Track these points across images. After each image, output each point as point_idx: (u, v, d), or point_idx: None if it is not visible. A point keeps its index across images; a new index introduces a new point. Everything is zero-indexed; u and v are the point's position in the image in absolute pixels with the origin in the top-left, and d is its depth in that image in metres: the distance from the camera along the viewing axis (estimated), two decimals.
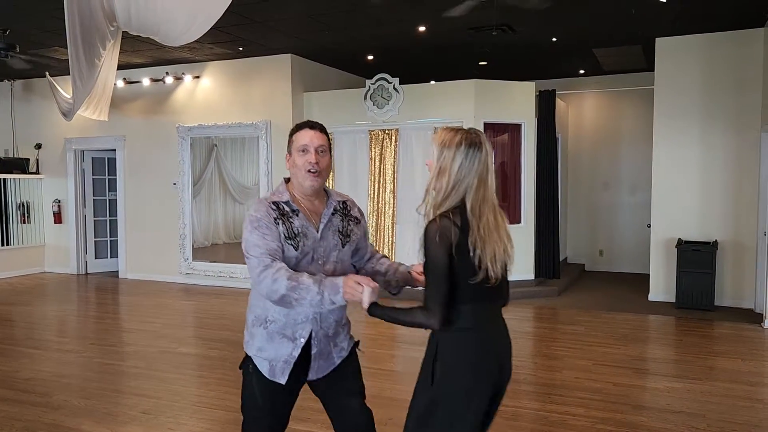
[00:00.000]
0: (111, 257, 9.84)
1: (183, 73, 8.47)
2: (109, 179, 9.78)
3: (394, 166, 7.71)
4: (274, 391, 2.21)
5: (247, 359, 2.25)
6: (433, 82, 8.19)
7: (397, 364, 5.08)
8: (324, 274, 2.12)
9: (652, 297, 7.23)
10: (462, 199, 1.87)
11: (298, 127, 2.18)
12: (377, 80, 7.77)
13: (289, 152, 2.19)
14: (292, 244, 2.11)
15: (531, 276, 7.69)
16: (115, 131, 9.00)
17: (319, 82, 8.43)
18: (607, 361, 4.92)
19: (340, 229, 2.22)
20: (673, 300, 6.87)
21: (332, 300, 1.97)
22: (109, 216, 9.82)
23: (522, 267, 7.65)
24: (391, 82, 7.70)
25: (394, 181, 7.72)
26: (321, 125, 2.21)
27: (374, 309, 1.95)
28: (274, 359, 2.19)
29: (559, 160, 8.40)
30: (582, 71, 9.10)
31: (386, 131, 7.72)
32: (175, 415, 3.86)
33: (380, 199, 7.79)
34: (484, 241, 1.85)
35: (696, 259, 6.64)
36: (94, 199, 9.72)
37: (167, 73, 8.51)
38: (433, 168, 1.92)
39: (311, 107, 8.17)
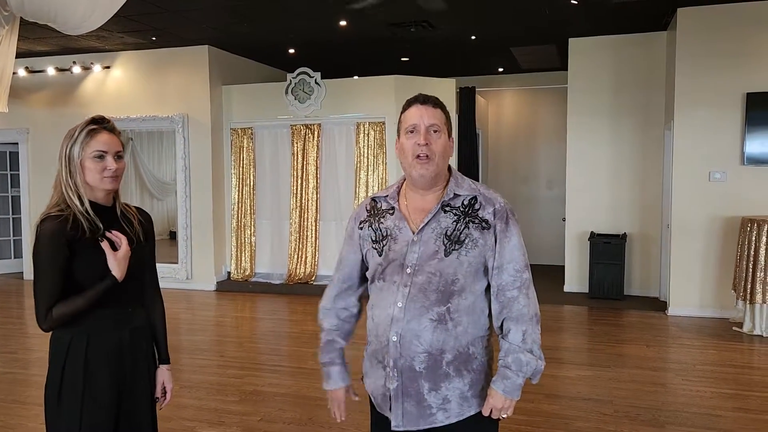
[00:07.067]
0: (15, 258, 9.22)
1: (92, 63, 8.02)
2: (11, 174, 9.16)
3: (316, 161, 7.63)
4: (385, 429, 1.80)
5: None
6: (355, 77, 8.15)
7: (318, 362, 5.01)
8: (414, 286, 1.70)
9: (567, 288, 7.52)
10: None
11: (408, 104, 1.78)
12: (299, 74, 7.65)
13: (398, 135, 1.80)
14: (376, 249, 1.78)
15: None
16: (17, 123, 8.42)
17: (238, 75, 8.20)
18: None
19: (448, 233, 1.71)
20: (587, 290, 7.17)
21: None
22: (12, 214, 9.20)
23: None
24: (312, 77, 7.60)
25: (317, 177, 7.64)
26: (436, 99, 1.77)
27: None
28: (374, 390, 1.82)
29: (480, 156, 8.57)
30: (501, 69, 9.32)
31: (308, 126, 7.62)
32: None
33: (303, 195, 7.68)
34: None
35: (607, 251, 6.95)
36: None
37: (74, 62, 8.03)
38: None
39: (230, 101, 7.95)
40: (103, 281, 1.82)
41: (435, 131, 1.72)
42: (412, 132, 1.72)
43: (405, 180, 1.83)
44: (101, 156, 1.85)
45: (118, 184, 1.94)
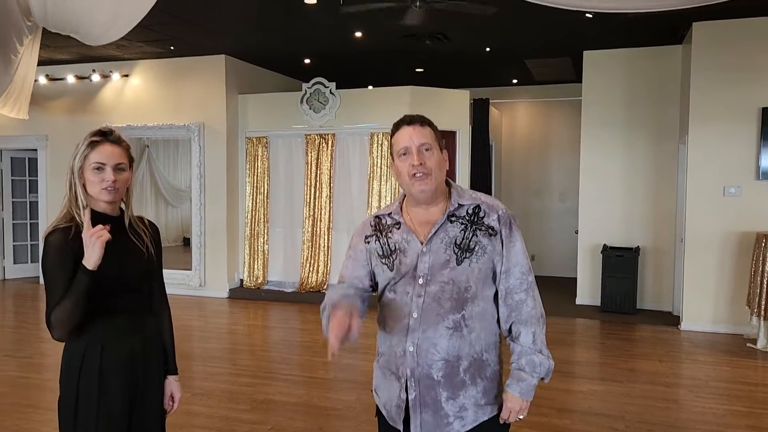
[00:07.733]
0: (32, 262, 9.35)
1: (111, 71, 8.15)
2: (30, 180, 9.31)
3: (330, 171, 7.67)
4: None
5: None
6: (370, 88, 8.20)
7: (329, 371, 5.03)
8: (428, 296, 1.74)
9: (579, 301, 7.48)
10: None
11: (395, 127, 1.83)
12: (314, 84, 7.72)
13: (392, 158, 1.84)
14: (386, 264, 1.81)
15: None
16: (36, 130, 8.56)
17: (254, 85, 8.29)
18: None
19: (458, 241, 1.76)
20: (599, 304, 7.13)
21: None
22: (30, 219, 9.34)
23: None
24: (327, 87, 7.66)
25: (330, 186, 7.68)
26: (422, 117, 1.82)
27: None
28: (387, 402, 1.84)
29: (492, 167, 8.58)
30: (515, 81, 9.34)
31: (323, 136, 7.68)
32: None
33: (316, 204, 7.73)
34: None
35: (619, 264, 6.91)
36: (12, 201, 9.23)
37: (94, 70, 8.16)
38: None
39: (246, 110, 8.03)
40: (77, 276, 1.78)
41: (427, 149, 1.76)
42: (404, 154, 1.77)
43: (405, 197, 1.88)
44: (100, 168, 1.87)
45: (118, 196, 1.93)
